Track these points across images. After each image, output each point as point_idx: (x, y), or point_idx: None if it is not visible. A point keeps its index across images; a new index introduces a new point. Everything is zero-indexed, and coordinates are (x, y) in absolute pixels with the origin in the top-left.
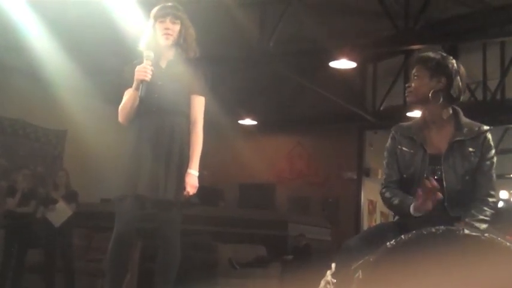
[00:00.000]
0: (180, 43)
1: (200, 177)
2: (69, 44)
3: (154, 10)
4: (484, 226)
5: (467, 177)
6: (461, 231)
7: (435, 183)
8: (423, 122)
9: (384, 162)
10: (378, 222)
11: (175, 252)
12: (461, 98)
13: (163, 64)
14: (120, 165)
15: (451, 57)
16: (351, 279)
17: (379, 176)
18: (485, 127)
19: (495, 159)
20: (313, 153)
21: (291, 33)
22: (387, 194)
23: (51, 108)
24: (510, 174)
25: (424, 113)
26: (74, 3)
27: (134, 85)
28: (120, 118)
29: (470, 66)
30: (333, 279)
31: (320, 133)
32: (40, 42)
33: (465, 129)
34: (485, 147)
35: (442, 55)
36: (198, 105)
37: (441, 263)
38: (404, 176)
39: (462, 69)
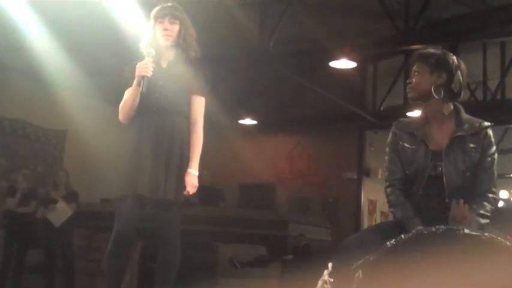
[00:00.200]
0: (180, 43)
1: (200, 177)
2: (69, 44)
3: (154, 11)
4: (484, 221)
5: (468, 174)
6: (461, 231)
7: (464, 207)
8: (424, 118)
9: (386, 158)
10: (378, 222)
11: (175, 252)
12: (462, 94)
13: (164, 64)
14: (120, 165)
15: (451, 54)
16: (350, 278)
17: (379, 176)
18: (487, 123)
19: (496, 155)
20: (313, 153)
21: (291, 33)
22: (392, 198)
23: (51, 108)
24: (510, 174)
25: (425, 108)
26: (74, 3)
27: (135, 81)
28: (121, 116)
29: (470, 66)
30: (330, 279)
31: (320, 133)
32: (40, 42)
33: (466, 125)
34: (486, 143)
35: (442, 51)
36: (199, 105)
37: (441, 263)
38: (407, 172)
39: (462, 65)
